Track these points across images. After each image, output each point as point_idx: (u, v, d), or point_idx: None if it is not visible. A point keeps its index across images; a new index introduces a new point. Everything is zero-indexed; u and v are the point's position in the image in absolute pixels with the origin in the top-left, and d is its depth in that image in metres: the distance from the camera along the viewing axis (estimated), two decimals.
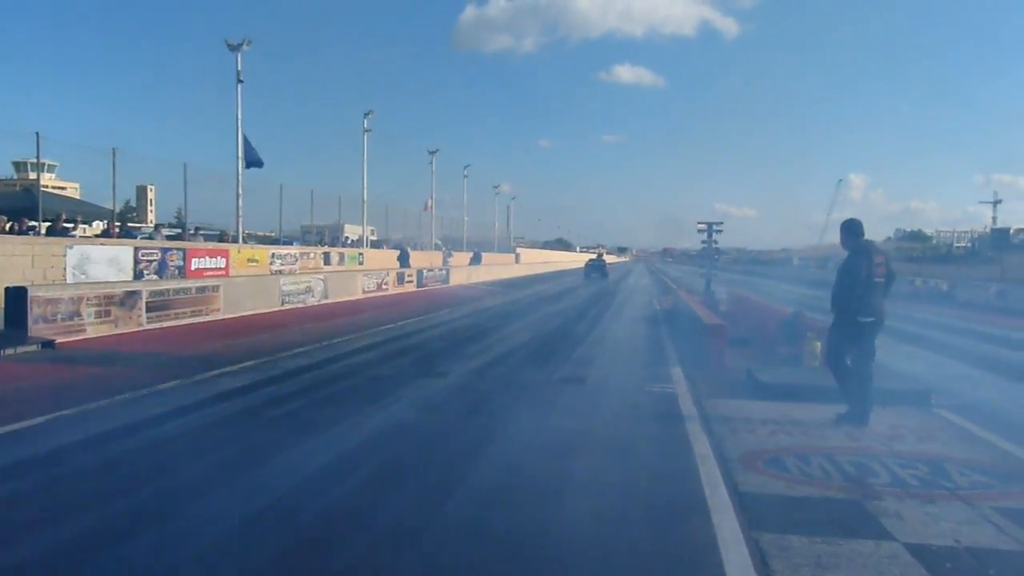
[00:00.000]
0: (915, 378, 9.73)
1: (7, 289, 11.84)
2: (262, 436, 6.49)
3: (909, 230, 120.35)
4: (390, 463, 5.72)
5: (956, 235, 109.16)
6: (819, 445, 6.39)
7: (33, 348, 11.12)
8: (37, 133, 18.60)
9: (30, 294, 11.65)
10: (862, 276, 7.08)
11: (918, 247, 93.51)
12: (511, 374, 9.88)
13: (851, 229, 7.46)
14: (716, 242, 20.72)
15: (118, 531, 4.20)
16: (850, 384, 7.35)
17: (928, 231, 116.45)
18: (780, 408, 7.83)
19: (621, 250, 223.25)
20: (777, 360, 11.56)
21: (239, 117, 26.83)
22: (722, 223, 20.82)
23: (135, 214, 48.24)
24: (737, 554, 4.02)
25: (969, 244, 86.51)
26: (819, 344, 10.33)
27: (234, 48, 26.63)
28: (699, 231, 20.70)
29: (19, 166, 46.51)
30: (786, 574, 3.79)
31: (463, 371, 10.03)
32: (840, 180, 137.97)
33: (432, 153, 51.44)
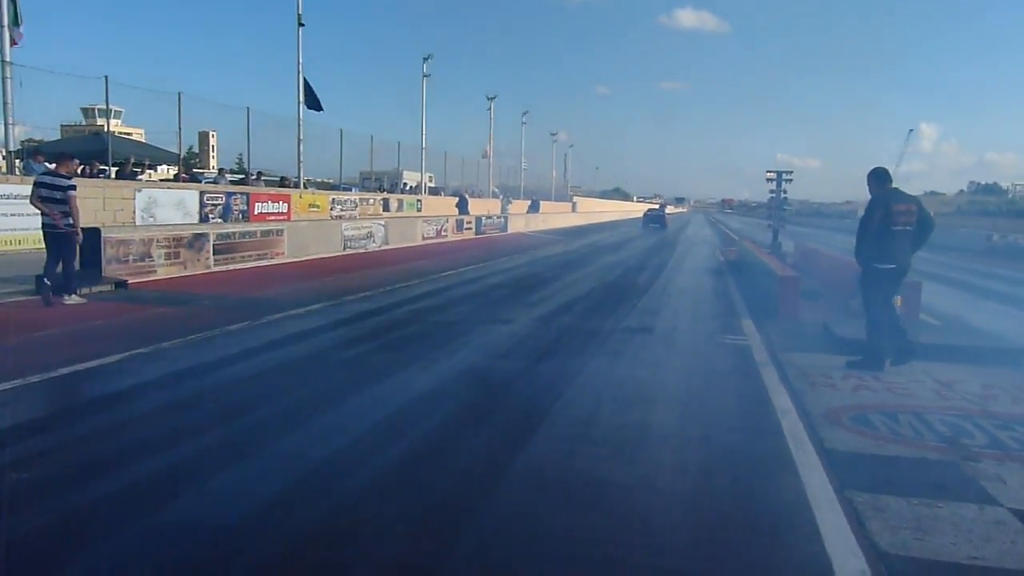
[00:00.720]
0: (1005, 337, 9.25)
1: (82, 230, 12.04)
2: (333, 378, 6.47)
3: (984, 183, 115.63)
4: (463, 410, 5.64)
5: None
6: (906, 403, 6.10)
7: (107, 288, 11.34)
8: (106, 77, 18.87)
9: (103, 235, 11.84)
10: (873, 224, 7.24)
11: (993, 200, 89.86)
12: (576, 322, 9.72)
13: (875, 177, 7.56)
14: (785, 192, 20.01)
15: (204, 464, 4.22)
16: (876, 331, 7.47)
17: (1004, 184, 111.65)
18: None
19: (679, 200, 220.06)
20: (850, 313, 11.16)
21: (299, 61, 26.80)
22: (791, 172, 20.08)
23: (198, 159, 49.07)
24: (831, 514, 3.83)
25: None
26: (900, 299, 9.92)
27: None
28: (767, 180, 19.99)
29: (87, 112, 47.55)
30: (885, 536, 3.59)
31: (527, 319, 9.90)
32: (911, 130, 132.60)
33: (491, 99, 51.07)
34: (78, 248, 10.18)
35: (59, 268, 9.96)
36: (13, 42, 16.92)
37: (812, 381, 6.76)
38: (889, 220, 7.21)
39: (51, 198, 9.81)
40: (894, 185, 7.61)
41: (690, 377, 6.92)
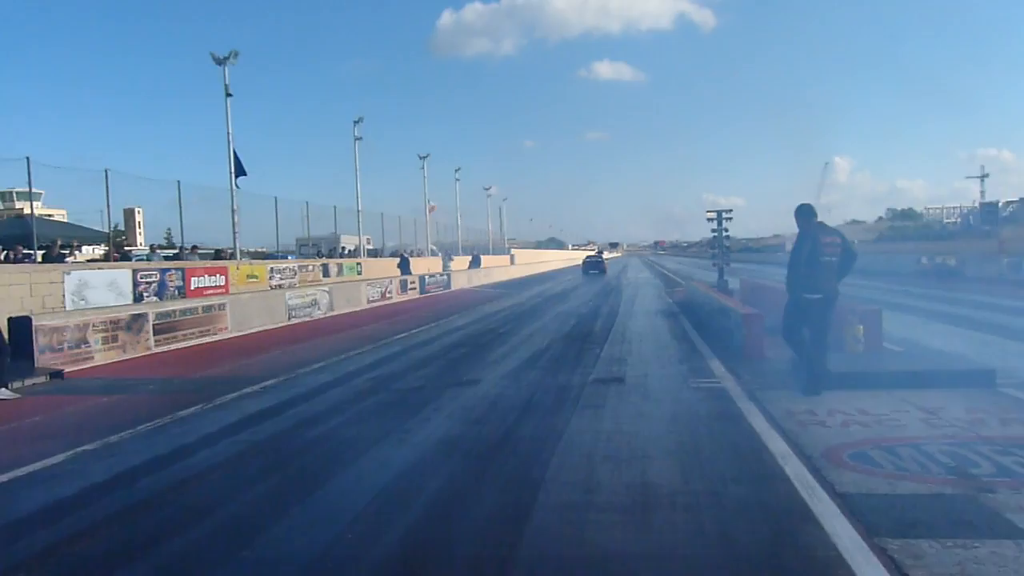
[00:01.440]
0: (973, 359, 9.30)
1: (10, 319, 11.33)
2: (304, 460, 6.03)
3: (900, 209, 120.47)
4: (451, 485, 5.26)
5: (945, 211, 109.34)
6: (900, 435, 5.97)
7: (42, 380, 10.62)
8: (28, 157, 17.97)
9: (34, 323, 11.16)
10: (803, 256, 7.62)
11: (911, 225, 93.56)
12: (544, 377, 9.43)
13: (800, 213, 7.93)
14: (727, 230, 20.25)
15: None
16: (804, 357, 7.87)
17: (918, 209, 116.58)
18: (840, 397, 7.42)
19: (612, 245, 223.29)
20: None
21: (229, 131, 26.35)
22: (731, 211, 20.37)
23: (124, 237, 47.62)
24: (869, 567, 3.60)
25: (959, 220, 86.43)
26: (861, 328, 9.96)
27: (220, 62, 26.11)
28: (708, 220, 20.23)
29: (4, 196, 45.91)
30: None
31: (494, 377, 9.59)
32: (826, 163, 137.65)
33: (423, 158, 51.07)
34: (2, 339, 9.45)
35: None
36: None
37: (800, 420, 6.60)
38: (818, 252, 7.58)
39: None
40: (819, 218, 7.95)
41: (676, 427, 6.67)
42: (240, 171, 26.76)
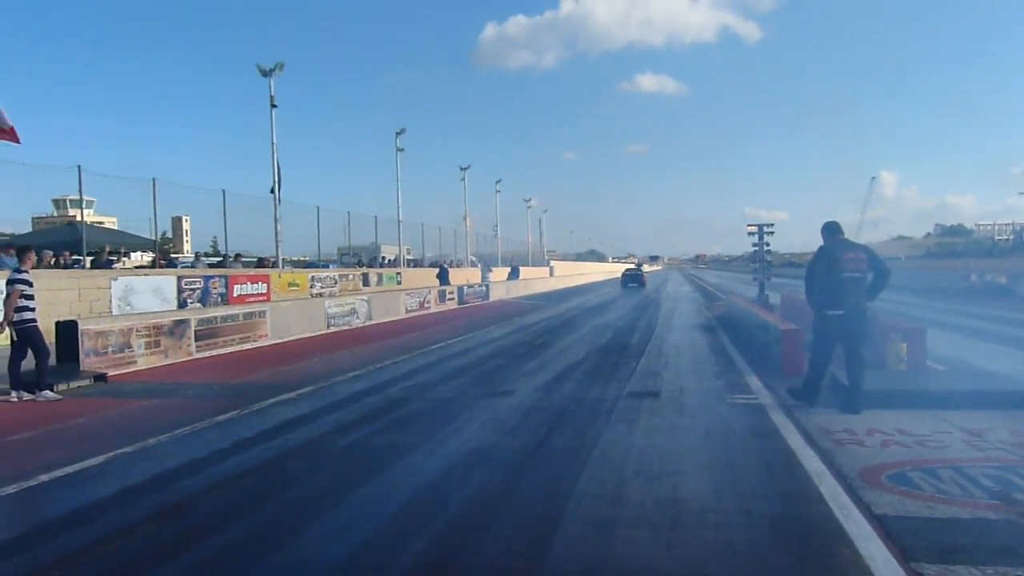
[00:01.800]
0: (1015, 379, 9.03)
1: (58, 323, 11.63)
2: (335, 468, 6.07)
3: (949, 225, 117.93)
4: (480, 496, 5.25)
5: (997, 228, 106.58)
6: (941, 457, 5.81)
7: (86, 382, 10.85)
8: (79, 166, 18.59)
9: (81, 327, 11.42)
10: (818, 273, 7.76)
11: (960, 241, 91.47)
12: (579, 390, 9.38)
13: (826, 229, 8.02)
14: (768, 244, 20.01)
15: None
16: (813, 372, 7.99)
17: (968, 225, 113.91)
18: (879, 416, 7.25)
19: (653, 258, 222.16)
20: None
21: (273, 142, 26.81)
22: (772, 225, 20.13)
23: (172, 244, 48.66)
24: None
25: (1011, 237, 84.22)
26: (905, 345, 9.74)
27: (266, 74, 26.63)
28: (749, 233, 20.01)
29: (58, 203, 47.18)
30: None
31: (528, 389, 9.56)
32: (873, 178, 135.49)
33: (464, 169, 51.49)
34: (42, 343, 9.63)
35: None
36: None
37: (837, 439, 6.46)
38: (837, 268, 7.55)
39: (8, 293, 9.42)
40: (852, 235, 8.03)
41: (711, 443, 6.58)
42: (274, 189, 27.11)
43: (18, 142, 16.34)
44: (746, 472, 5.61)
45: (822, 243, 7.95)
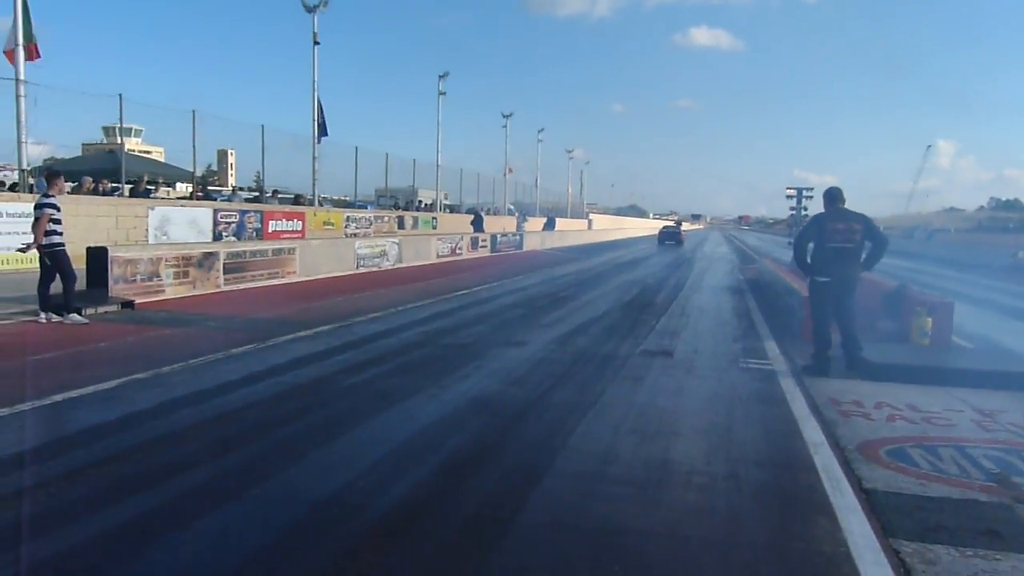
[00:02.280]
0: None
1: (89, 249, 11.87)
2: (336, 406, 6.15)
3: (1004, 199, 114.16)
4: (472, 443, 5.28)
5: None
6: (946, 435, 5.69)
7: (113, 308, 11.11)
8: (120, 95, 18.85)
9: (111, 254, 11.64)
10: (805, 241, 8.09)
11: (1014, 216, 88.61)
12: (593, 345, 9.35)
13: (826, 195, 8.26)
14: (806, 209, 19.61)
15: (186, 509, 3.89)
16: (817, 340, 8.04)
17: None
18: (892, 390, 7.13)
19: (695, 217, 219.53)
20: (879, 336, 10.74)
21: (315, 79, 26.77)
22: (812, 189, 19.72)
23: (216, 177, 49.20)
24: (876, 567, 3.45)
25: None
26: (930, 320, 9.51)
27: (311, 10, 26.45)
28: (788, 197, 19.63)
29: (108, 131, 47.82)
30: None
31: (542, 341, 9.55)
32: (929, 146, 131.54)
33: (507, 116, 51.03)
34: (69, 267, 9.82)
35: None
36: (31, 58, 16.84)
37: (843, 410, 6.36)
38: (824, 238, 7.82)
39: (37, 217, 9.60)
40: (846, 204, 8.05)
41: (714, 406, 6.53)
42: (323, 131, 27.15)
43: (39, 56, 16.68)
44: (743, 438, 5.56)
45: (824, 209, 8.16)
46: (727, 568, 3.47)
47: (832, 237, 7.78)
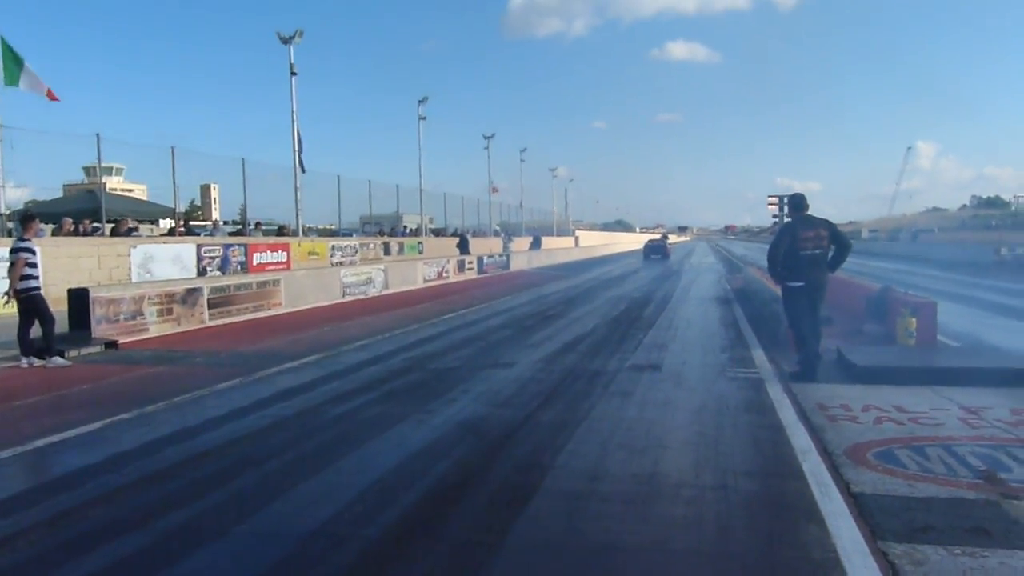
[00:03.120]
0: None
1: (70, 291, 11.80)
2: (322, 437, 6.11)
3: (986, 197, 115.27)
4: (459, 468, 5.25)
5: None
6: (933, 435, 5.71)
7: (96, 349, 11.04)
8: (97, 135, 18.82)
9: (92, 295, 11.57)
10: (780, 250, 8.19)
11: (996, 214, 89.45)
12: (580, 362, 9.34)
13: (791, 203, 8.67)
14: (789, 216, 19.68)
15: (169, 548, 3.85)
16: (800, 346, 8.20)
17: (1006, 197, 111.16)
18: (878, 392, 7.16)
19: (682, 229, 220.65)
20: (865, 339, 10.80)
21: (293, 109, 26.85)
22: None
23: (200, 212, 49.14)
24: (865, 571, 3.45)
25: None
26: (914, 321, 9.57)
27: (286, 41, 26.62)
28: (770, 205, 19.74)
29: (88, 171, 47.72)
30: None
31: (529, 361, 9.54)
32: (909, 148, 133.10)
33: (488, 138, 51.27)
34: (47, 310, 9.75)
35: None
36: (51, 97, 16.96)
37: (831, 415, 6.38)
38: (796, 246, 8.02)
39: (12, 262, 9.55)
40: (810, 211, 8.33)
41: (702, 417, 6.52)
42: (301, 167, 27.13)
43: (57, 99, 16.69)
44: (731, 448, 5.56)
45: (788, 216, 8.59)
46: None
47: (804, 245, 8.00)
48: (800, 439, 5.70)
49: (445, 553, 3.76)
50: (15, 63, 16.65)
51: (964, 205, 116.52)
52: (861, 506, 4.25)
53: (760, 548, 3.77)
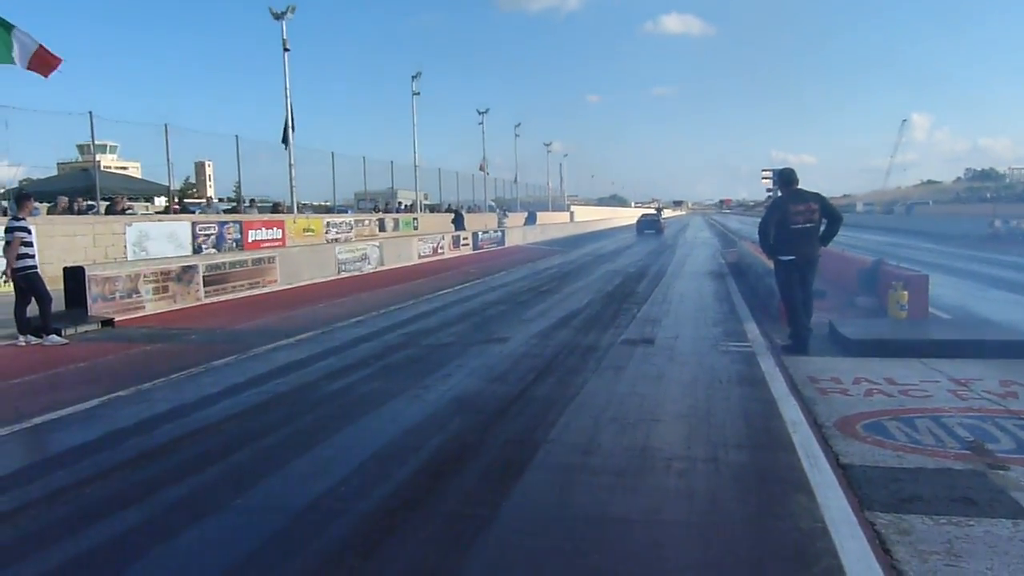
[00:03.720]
0: (1018, 328, 8.93)
1: (66, 269, 11.79)
2: (318, 413, 6.16)
3: (980, 169, 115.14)
4: (453, 442, 5.29)
5: None
6: (922, 406, 5.77)
7: (93, 327, 11.06)
8: (90, 113, 18.65)
9: (88, 273, 11.57)
10: (771, 224, 8.26)
11: (991, 186, 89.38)
12: (574, 337, 9.38)
13: (781, 177, 8.81)
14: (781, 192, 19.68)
15: (168, 523, 3.90)
16: (792, 319, 8.27)
17: (1001, 169, 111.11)
18: (869, 365, 7.21)
19: (677, 203, 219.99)
20: (857, 312, 10.87)
21: (286, 86, 26.62)
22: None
23: (195, 190, 48.87)
24: (852, 541, 3.50)
25: None
26: (906, 294, 9.62)
27: (279, 16, 26.31)
28: (763, 179, 19.73)
29: (82, 149, 47.37)
30: (913, 565, 3.26)
31: (524, 336, 9.58)
32: (904, 120, 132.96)
33: (482, 113, 50.92)
34: (44, 288, 9.76)
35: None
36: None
37: (821, 388, 6.44)
38: (787, 220, 8.07)
39: (8, 242, 9.55)
40: (800, 185, 8.36)
41: (694, 390, 6.58)
42: (284, 137, 26.85)
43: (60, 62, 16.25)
44: (723, 420, 5.61)
45: (779, 191, 8.60)
46: (706, 549, 3.52)
47: (794, 219, 8.05)
48: (791, 411, 5.76)
49: (439, 526, 3.81)
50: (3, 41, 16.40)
51: (959, 178, 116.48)
52: (850, 477, 4.31)
53: (749, 519, 3.83)
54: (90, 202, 19.93)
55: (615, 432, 5.36)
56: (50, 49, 14.33)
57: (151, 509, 4.13)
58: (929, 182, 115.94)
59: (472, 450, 5.05)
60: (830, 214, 8.24)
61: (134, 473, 4.77)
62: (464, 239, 30.42)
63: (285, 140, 26.58)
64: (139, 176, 32.07)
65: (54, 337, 9.77)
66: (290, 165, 26.98)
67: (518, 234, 39.04)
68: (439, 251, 26.94)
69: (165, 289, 13.05)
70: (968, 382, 6.45)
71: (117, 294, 11.97)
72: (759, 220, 9.26)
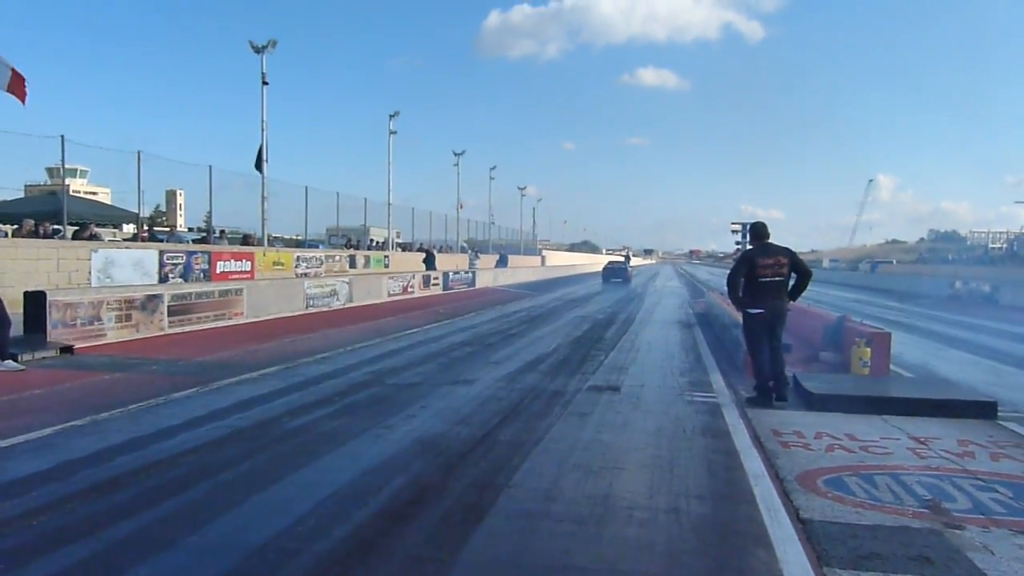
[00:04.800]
0: (976, 388, 9.10)
1: (26, 294, 11.55)
2: (278, 450, 6.05)
3: (943, 231, 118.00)
4: (414, 485, 5.24)
5: (991, 236, 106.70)
6: (882, 463, 5.83)
7: (52, 354, 10.82)
8: (62, 136, 18.44)
9: (49, 298, 11.35)
10: (739, 277, 8.32)
11: (953, 248, 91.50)
12: (541, 382, 9.37)
13: (752, 231, 8.75)
14: (750, 244, 20.01)
15: (117, 559, 3.79)
16: (758, 371, 8.32)
17: (962, 232, 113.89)
18: (832, 420, 7.29)
19: (647, 252, 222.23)
20: (821, 367, 10.99)
21: (263, 119, 26.64)
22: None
23: (165, 218, 48.39)
24: None
25: (1005, 245, 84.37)
26: (869, 351, 9.76)
27: (259, 50, 26.45)
28: (732, 232, 20.05)
29: (52, 172, 46.78)
30: None
31: (490, 379, 9.55)
32: (870, 180, 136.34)
33: (458, 155, 51.22)
34: (3, 312, 9.55)
35: None
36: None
37: (784, 441, 6.48)
38: (755, 274, 8.13)
39: None
40: (771, 239, 8.42)
41: (658, 440, 6.58)
42: (258, 166, 26.78)
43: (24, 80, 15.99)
44: (685, 471, 5.62)
45: (749, 243, 8.69)
46: None
47: (763, 272, 8.10)
48: (753, 464, 5.79)
49: (396, 569, 3.75)
50: None
51: (922, 238, 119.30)
52: (809, 532, 4.33)
53: (708, 571, 3.82)
54: (56, 226, 19.64)
55: (578, 479, 5.34)
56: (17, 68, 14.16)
57: (100, 544, 4.01)
58: (894, 241, 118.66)
59: (434, 492, 5.00)
60: (800, 269, 8.30)
61: (84, 505, 4.65)
62: (435, 279, 30.37)
63: (259, 167, 26.49)
64: (109, 202, 31.73)
65: (10, 363, 9.55)
66: (263, 197, 26.87)
67: (489, 276, 39.08)
68: (409, 290, 26.85)
69: (128, 317, 12.83)
70: (927, 440, 6.54)
71: (78, 321, 11.74)
72: (727, 272, 9.37)
